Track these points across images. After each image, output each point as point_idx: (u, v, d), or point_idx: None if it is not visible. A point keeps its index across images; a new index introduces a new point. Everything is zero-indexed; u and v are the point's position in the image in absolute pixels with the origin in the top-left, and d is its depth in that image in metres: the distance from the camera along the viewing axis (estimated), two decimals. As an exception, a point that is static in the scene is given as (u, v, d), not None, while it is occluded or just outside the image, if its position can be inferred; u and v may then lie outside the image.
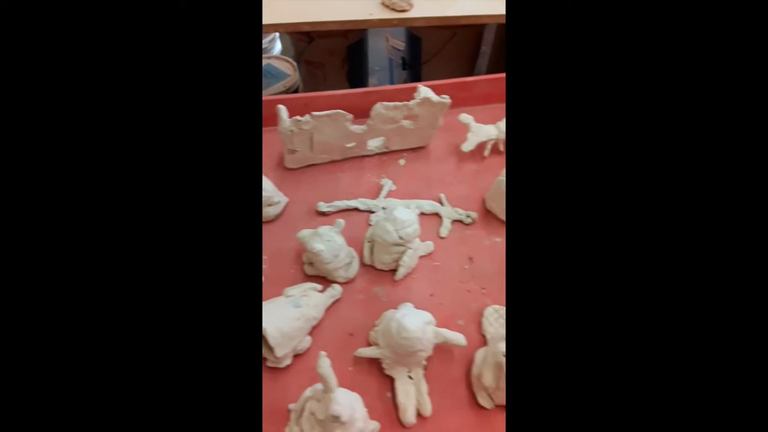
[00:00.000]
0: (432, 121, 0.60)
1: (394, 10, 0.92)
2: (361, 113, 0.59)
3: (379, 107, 0.55)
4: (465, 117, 0.61)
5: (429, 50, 1.13)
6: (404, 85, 0.65)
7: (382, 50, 1.87)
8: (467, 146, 0.60)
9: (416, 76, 1.29)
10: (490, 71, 1.36)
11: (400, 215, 0.46)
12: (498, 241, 0.54)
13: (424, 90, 0.57)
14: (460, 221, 0.56)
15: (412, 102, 0.56)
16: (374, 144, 0.62)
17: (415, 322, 0.37)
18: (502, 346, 0.36)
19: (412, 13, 0.88)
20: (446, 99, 0.57)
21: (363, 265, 0.51)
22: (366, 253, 0.50)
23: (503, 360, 0.36)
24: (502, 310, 0.46)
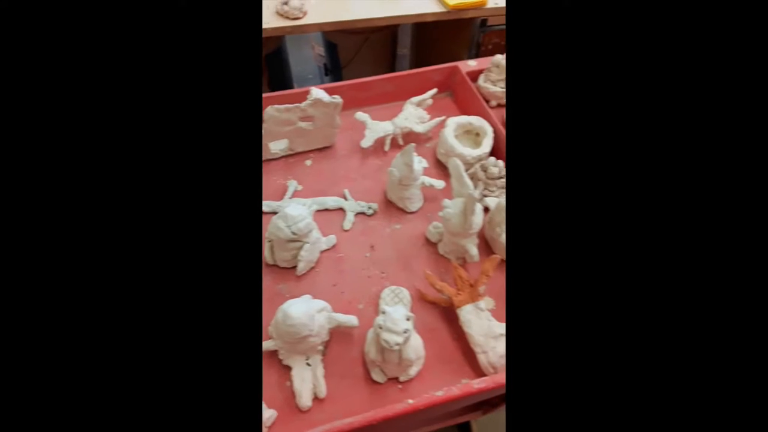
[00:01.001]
0: (329, 121, 0.62)
1: (288, 18, 0.94)
2: (260, 119, 0.60)
3: (270, 110, 0.57)
4: (361, 115, 0.64)
5: (346, 55, 1.16)
6: (300, 90, 0.67)
7: (310, 58, 1.88)
8: (365, 142, 0.63)
9: (338, 81, 1.32)
10: (412, 72, 1.41)
11: (290, 211, 0.48)
12: (398, 227, 0.58)
13: (315, 92, 0.59)
14: (362, 213, 0.59)
15: (303, 104, 0.58)
16: (278, 147, 0.64)
17: (299, 309, 0.39)
18: (380, 320, 0.39)
19: (306, 20, 0.91)
20: (337, 99, 0.60)
21: (267, 265, 0.52)
22: (267, 253, 0.52)
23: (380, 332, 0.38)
24: (398, 289, 0.49)
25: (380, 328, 0.38)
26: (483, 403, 0.83)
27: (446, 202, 0.49)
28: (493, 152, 0.63)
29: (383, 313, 0.38)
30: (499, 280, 0.51)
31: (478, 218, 0.47)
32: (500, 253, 0.52)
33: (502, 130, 0.62)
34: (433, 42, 1.07)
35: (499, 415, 0.94)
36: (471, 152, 0.59)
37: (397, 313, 0.38)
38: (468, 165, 0.60)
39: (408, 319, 0.38)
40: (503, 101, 0.68)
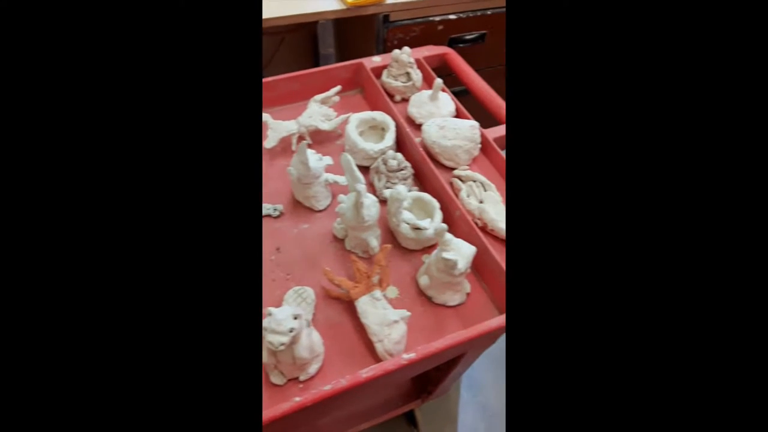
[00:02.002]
0: (229, 125, 0.61)
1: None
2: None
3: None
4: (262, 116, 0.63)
5: (264, 56, 1.14)
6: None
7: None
8: (269, 143, 0.62)
9: (265, 84, 1.29)
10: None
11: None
12: (305, 227, 0.57)
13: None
14: (268, 215, 0.58)
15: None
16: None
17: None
18: (265, 322, 0.38)
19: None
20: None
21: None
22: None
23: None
24: (302, 289, 0.49)
25: (265, 330, 0.37)
26: (421, 391, 0.85)
27: (341, 197, 0.49)
28: (398, 145, 0.65)
29: (269, 314, 0.38)
30: (403, 268, 0.53)
31: (370, 211, 0.47)
32: (403, 243, 0.54)
33: (404, 125, 0.63)
34: (353, 39, 1.07)
35: (440, 402, 0.97)
36: (373, 147, 0.60)
37: (281, 314, 0.37)
38: (372, 159, 0.61)
39: (296, 318, 0.38)
40: (407, 95, 0.70)
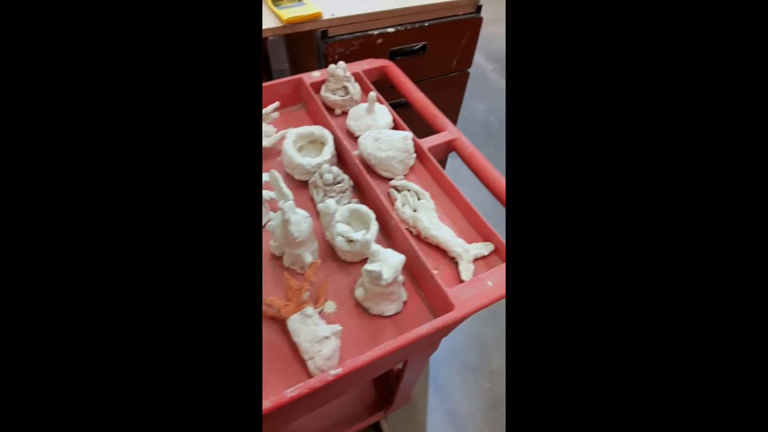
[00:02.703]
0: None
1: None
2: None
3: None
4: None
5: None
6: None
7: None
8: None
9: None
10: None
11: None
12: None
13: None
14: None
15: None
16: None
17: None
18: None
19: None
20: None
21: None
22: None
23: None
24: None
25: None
26: (384, 403, 0.85)
27: (271, 214, 0.49)
28: (339, 158, 0.65)
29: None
30: (343, 281, 0.53)
31: (300, 227, 0.47)
32: (341, 256, 0.54)
33: (342, 138, 0.64)
34: (300, 55, 1.08)
35: (408, 410, 0.97)
36: (310, 161, 0.60)
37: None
38: (310, 174, 0.61)
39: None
40: (346, 108, 0.71)
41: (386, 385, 0.81)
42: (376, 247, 0.44)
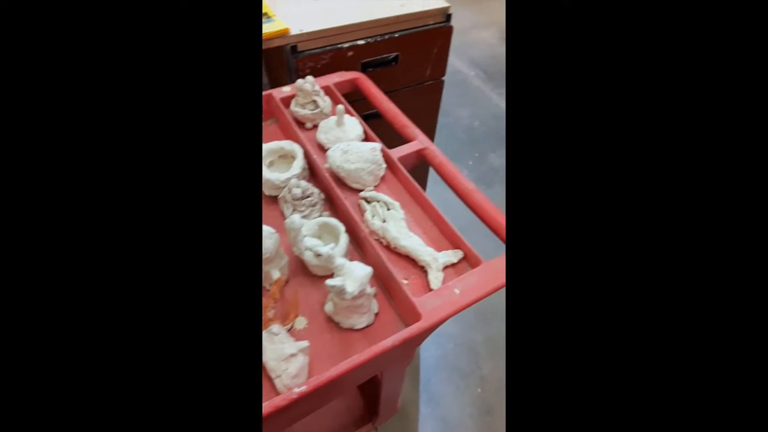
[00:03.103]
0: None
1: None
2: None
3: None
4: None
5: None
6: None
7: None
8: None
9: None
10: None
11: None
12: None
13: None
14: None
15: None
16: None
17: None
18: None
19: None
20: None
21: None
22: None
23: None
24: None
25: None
26: (372, 415, 0.84)
27: (237, 233, 0.49)
28: (311, 172, 0.65)
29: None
30: (314, 296, 0.52)
31: (263, 244, 0.47)
32: (312, 270, 0.53)
33: (312, 152, 0.64)
34: (275, 70, 1.09)
35: (399, 420, 0.96)
36: (278, 176, 0.60)
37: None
38: (279, 189, 0.61)
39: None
40: (317, 122, 0.71)
41: (374, 397, 0.80)
42: (341, 260, 0.44)
